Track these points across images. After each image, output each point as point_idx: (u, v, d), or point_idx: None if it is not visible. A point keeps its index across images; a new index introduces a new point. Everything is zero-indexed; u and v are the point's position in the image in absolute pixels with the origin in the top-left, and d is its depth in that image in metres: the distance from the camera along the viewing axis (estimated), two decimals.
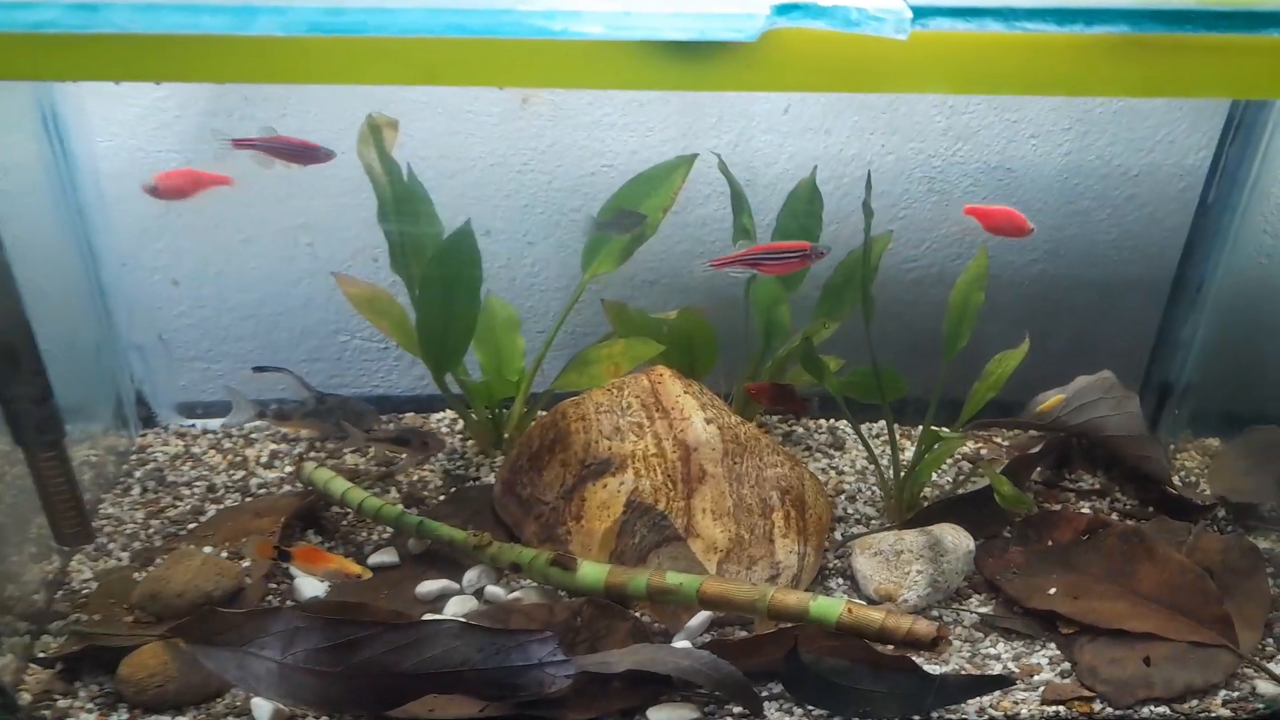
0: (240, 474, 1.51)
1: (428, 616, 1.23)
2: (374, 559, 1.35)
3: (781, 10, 0.69)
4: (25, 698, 1.16)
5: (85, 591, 1.30)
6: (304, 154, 1.24)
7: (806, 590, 1.29)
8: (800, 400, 1.44)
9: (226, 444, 1.57)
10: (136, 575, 1.31)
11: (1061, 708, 1.20)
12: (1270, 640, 1.29)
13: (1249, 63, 0.76)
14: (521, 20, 0.67)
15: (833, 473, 1.55)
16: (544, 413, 1.50)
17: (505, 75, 0.74)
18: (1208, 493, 1.51)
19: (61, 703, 1.16)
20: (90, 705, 1.16)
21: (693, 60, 0.73)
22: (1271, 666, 1.25)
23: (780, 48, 0.73)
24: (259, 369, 1.59)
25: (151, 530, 1.40)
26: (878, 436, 1.63)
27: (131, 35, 0.67)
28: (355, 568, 1.24)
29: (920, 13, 0.70)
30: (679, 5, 0.69)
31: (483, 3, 0.68)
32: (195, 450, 1.56)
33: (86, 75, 0.72)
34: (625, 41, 0.71)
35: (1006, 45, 0.74)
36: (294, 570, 1.32)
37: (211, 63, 0.72)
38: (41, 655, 1.21)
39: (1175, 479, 1.54)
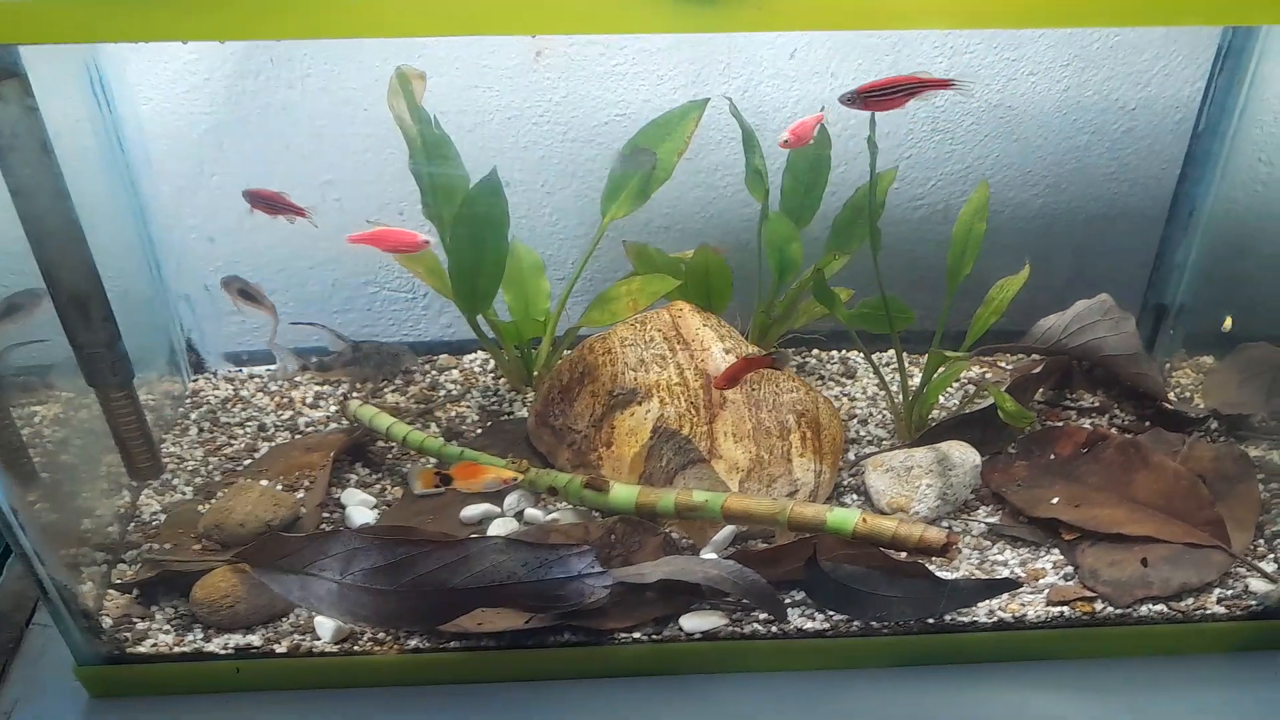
0: (288, 414, 1.59)
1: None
2: (420, 488, 1.42)
3: None
4: (107, 621, 1.25)
5: (155, 523, 1.38)
6: None
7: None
8: (768, 357, 1.39)
9: (273, 387, 1.65)
10: (200, 507, 1.39)
11: (1065, 608, 1.27)
12: (1261, 540, 1.36)
13: None
14: None
15: (845, 399, 1.62)
16: (569, 351, 1.57)
17: (539, 24, 0.80)
18: (1201, 406, 1.57)
19: (140, 625, 1.25)
20: (167, 626, 1.25)
21: (707, 4, 0.79)
22: (1263, 565, 1.32)
23: None
24: (296, 323, 1.66)
25: (211, 466, 1.49)
26: (888, 365, 1.69)
27: None
28: (509, 473, 1.30)
29: None
30: None
31: None
32: (244, 393, 1.64)
33: (149, 36, 0.79)
34: None
35: None
36: (345, 500, 1.41)
37: (272, 20, 0.79)
38: (118, 582, 1.29)
39: (1170, 395, 1.61)
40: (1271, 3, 0.82)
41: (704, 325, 1.44)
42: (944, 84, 1.20)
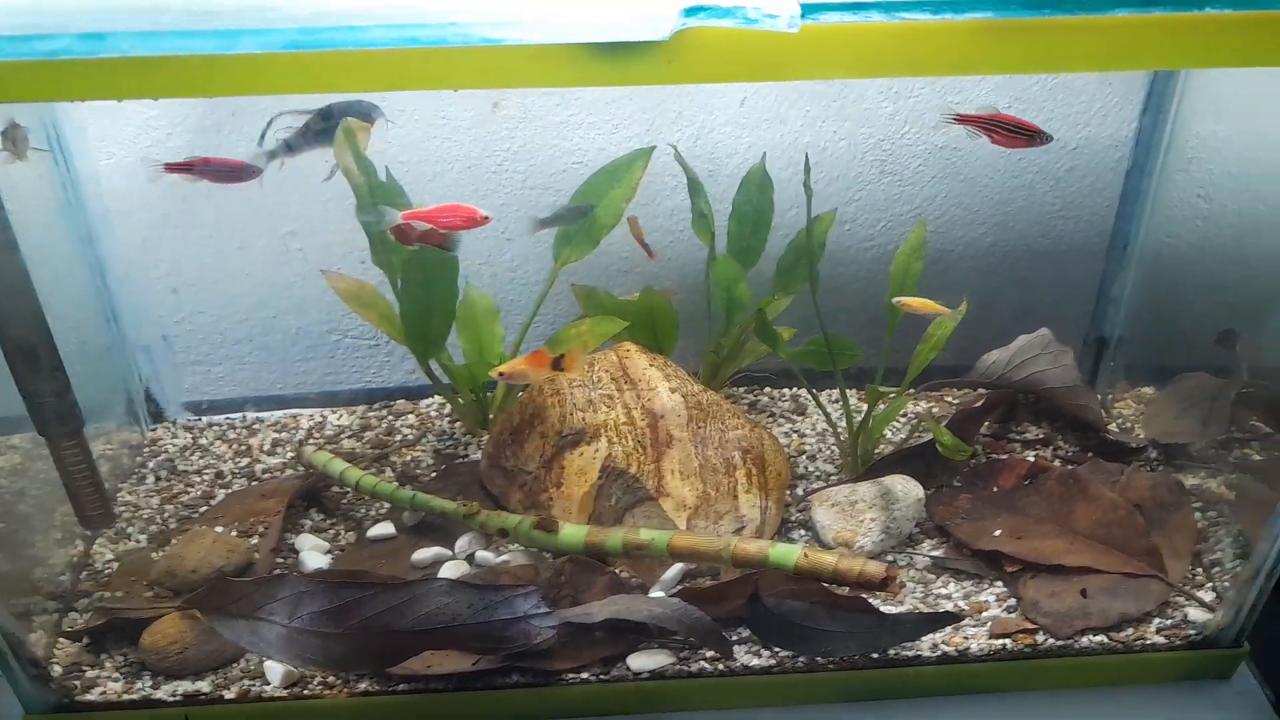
0: (245, 461, 1.60)
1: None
2: (372, 532, 1.44)
3: (689, 12, 0.80)
4: (56, 669, 1.25)
5: (107, 572, 1.39)
6: None
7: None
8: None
9: (231, 434, 1.67)
10: (154, 555, 1.40)
11: (1008, 640, 1.28)
12: (1200, 570, 1.37)
13: (1104, 39, 0.86)
14: (466, 31, 0.79)
15: (795, 436, 1.64)
16: (522, 394, 1.60)
17: (457, 79, 0.84)
18: (1141, 436, 1.59)
19: (90, 673, 1.25)
20: (116, 674, 1.25)
21: (620, 58, 0.83)
22: (1200, 594, 1.33)
23: (693, 45, 0.83)
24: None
25: (166, 514, 1.49)
26: (836, 402, 1.72)
27: (134, 59, 0.79)
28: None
29: (811, 8, 0.80)
30: (602, 10, 0.80)
31: (436, 13, 0.80)
32: (203, 442, 1.65)
33: (95, 95, 0.83)
34: (557, 45, 0.82)
35: (889, 33, 0.83)
36: (298, 545, 1.42)
37: (203, 80, 0.83)
38: (68, 630, 1.29)
39: (1112, 425, 1.63)
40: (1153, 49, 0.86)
41: (650, 365, 1.47)
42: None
